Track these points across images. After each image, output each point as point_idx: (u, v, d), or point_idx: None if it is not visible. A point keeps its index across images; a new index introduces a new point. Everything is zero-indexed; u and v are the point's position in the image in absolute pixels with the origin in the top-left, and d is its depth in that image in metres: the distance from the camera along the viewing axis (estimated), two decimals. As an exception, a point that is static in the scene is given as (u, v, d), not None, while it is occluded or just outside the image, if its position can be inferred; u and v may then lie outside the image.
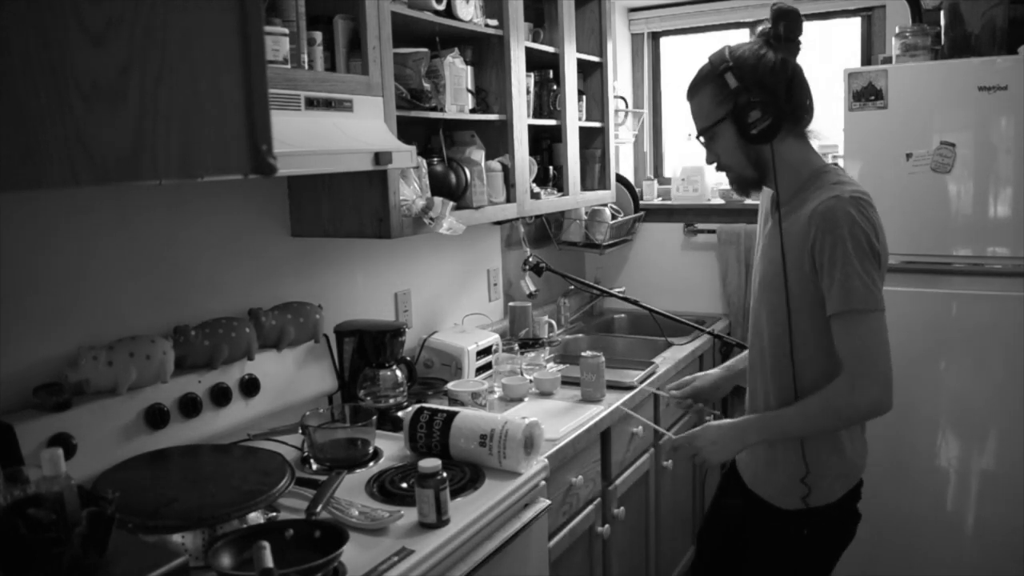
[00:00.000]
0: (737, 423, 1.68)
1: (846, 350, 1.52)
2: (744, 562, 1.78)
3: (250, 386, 1.93)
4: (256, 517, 1.45)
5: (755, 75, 1.56)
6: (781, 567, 1.73)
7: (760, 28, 1.63)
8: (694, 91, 1.65)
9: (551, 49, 2.71)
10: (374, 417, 1.84)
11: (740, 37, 3.48)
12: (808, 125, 1.65)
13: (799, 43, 1.61)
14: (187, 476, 1.58)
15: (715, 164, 1.69)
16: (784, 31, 1.58)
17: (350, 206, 1.99)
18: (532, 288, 2.97)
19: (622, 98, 3.51)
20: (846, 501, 1.71)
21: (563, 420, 2.10)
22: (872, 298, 1.49)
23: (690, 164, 3.50)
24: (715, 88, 1.60)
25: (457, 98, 2.25)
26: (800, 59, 1.63)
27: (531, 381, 2.35)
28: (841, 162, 2.95)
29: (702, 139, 1.67)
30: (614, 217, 3.36)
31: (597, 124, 3.06)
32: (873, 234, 1.51)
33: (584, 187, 3.00)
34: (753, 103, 1.55)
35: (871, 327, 1.51)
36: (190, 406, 1.79)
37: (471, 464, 1.73)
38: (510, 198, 2.48)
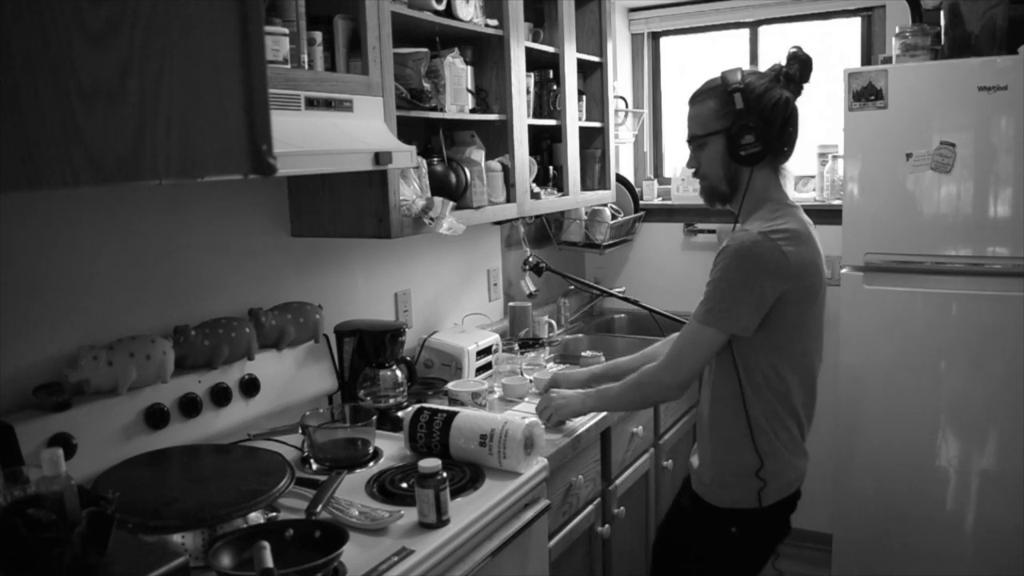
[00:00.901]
0: (585, 392, 2.00)
1: (675, 343, 1.76)
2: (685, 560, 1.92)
3: (250, 386, 1.93)
4: (256, 517, 1.45)
5: (759, 104, 1.69)
6: (710, 565, 1.85)
7: (774, 64, 1.75)
8: (698, 98, 1.77)
9: (551, 49, 2.71)
10: (374, 417, 1.85)
11: (740, 37, 3.48)
12: (786, 162, 1.80)
13: (802, 88, 1.75)
14: (187, 476, 1.58)
15: (694, 170, 1.82)
16: (797, 74, 1.72)
17: (350, 206, 1.99)
18: (532, 288, 2.97)
19: (622, 98, 3.51)
20: (779, 508, 1.80)
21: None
22: (721, 319, 1.66)
23: (690, 164, 3.50)
24: (719, 103, 1.71)
25: (457, 98, 2.25)
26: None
27: (531, 381, 2.35)
28: (841, 162, 2.96)
29: (691, 144, 1.79)
30: (614, 217, 3.36)
31: (597, 124, 3.06)
32: (767, 271, 1.62)
33: (584, 187, 3.00)
34: (750, 128, 1.68)
35: (697, 337, 1.70)
36: (190, 406, 1.79)
37: (471, 464, 1.73)
38: (510, 198, 2.48)
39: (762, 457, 1.73)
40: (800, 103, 1.76)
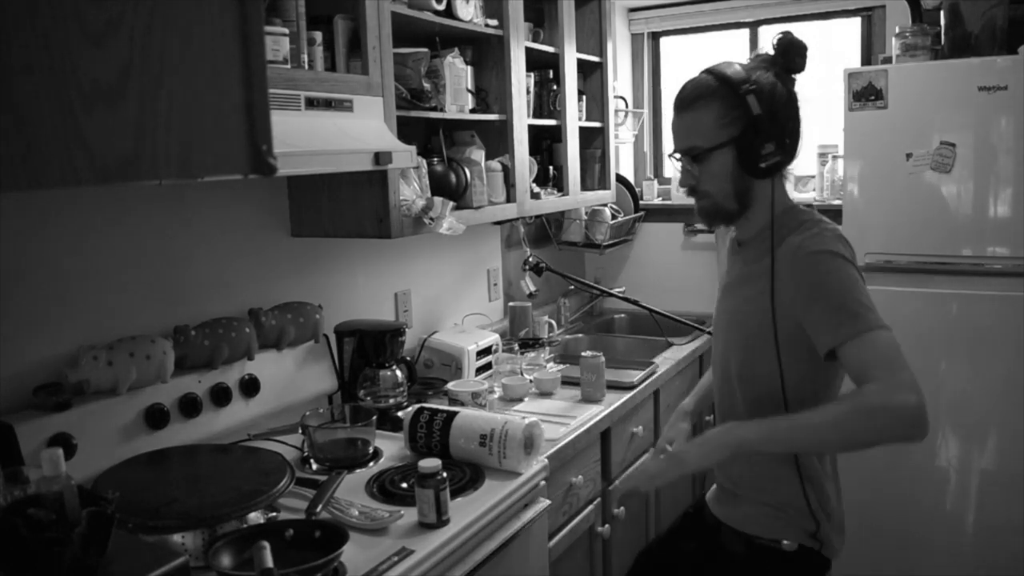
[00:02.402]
0: (725, 426, 1.45)
1: (868, 365, 1.32)
2: None
3: (250, 386, 1.93)
4: (256, 517, 1.45)
5: (773, 105, 1.44)
6: None
7: (761, 56, 1.50)
8: (694, 105, 1.48)
9: (551, 49, 2.71)
10: (374, 417, 1.84)
11: (740, 37, 3.48)
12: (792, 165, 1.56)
13: (795, 81, 1.53)
14: (187, 476, 1.58)
15: (689, 188, 1.54)
16: (797, 65, 1.49)
17: (350, 206, 1.99)
18: (532, 288, 2.97)
19: (622, 98, 3.51)
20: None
21: (563, 420, 2.10)
22: (877, 318, 1.36)
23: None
24: (724, 107, 1.45)
25: (457, 98, 2.25)
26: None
27: (531, 381, 2.35)
28: (841, 162, 2.96)
29: (686, 157, 1.52)
30: (614, 217, 3.36)
31: (597, 124, 3.06)
32: (857, 272, 1.42)
33: (584, 187, 3.00)
34: (771, 134, 1.43)
35: (887, 342, 1.33)
36: (190, 406, 1.79)
37: (471, 464, 1.73)
38: (510, 198, 2.48)
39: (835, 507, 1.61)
40: (800, 103, 1.54)
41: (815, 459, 1.56)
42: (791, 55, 1.47)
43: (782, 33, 1.48)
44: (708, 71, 1.50)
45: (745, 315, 1.53)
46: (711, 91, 1.47)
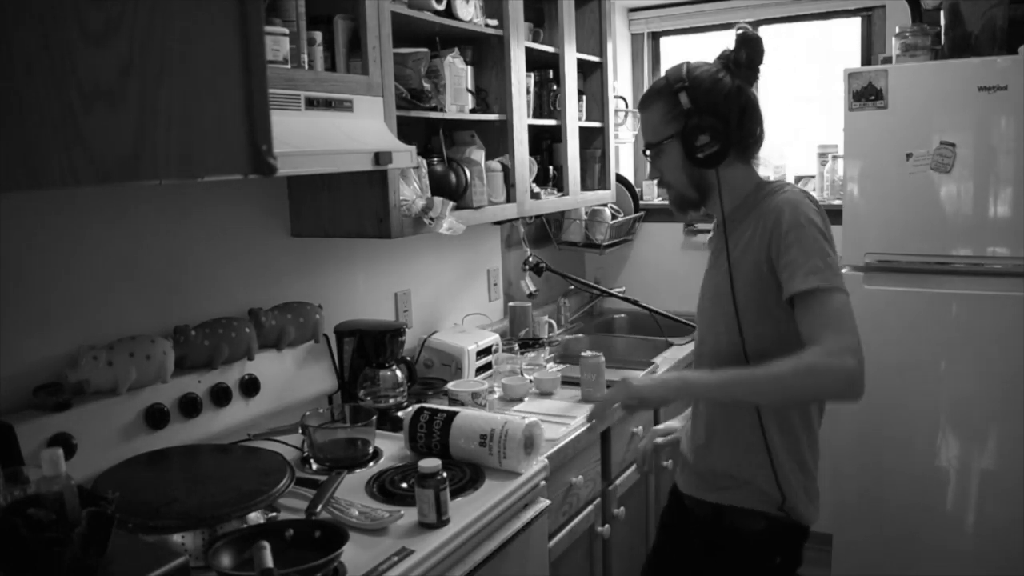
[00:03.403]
0: (681, 375, 1.67)
1: (817, 324, 1.40)
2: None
3: (250, 386, 1.93)
4: (256, 517, 1.45)
5: (709, 98, 1.53)
6: None
7: (723, 51, 1.59)
8: (646, 104, 1.62)
9: (551, 49, 2.71)
10: (374, 417, 1.84)
11: (740, 37, 3.48)
12: (756, 154, 1.63)
13: (758, 71, 1.57)
14: (187, 476, 1.58)
15: (657, 180, 1.70)
16: (746, 58, 1.54)
17: (350, 206, 1.99)
18: (532, 288, 2.97)
19: (622, 98, 3.51)
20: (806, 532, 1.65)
21: (563, 420, 2.10)
22: (838, 278, 1.43)
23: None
24: (667, 105, 1.56)
25: (457, 98, 2.25)
26: (757, 86, 1.62)
27: (531, 381, 2.35)
28: (841, 162, 2.96)
29: (647, 153, 1.65)
30: (614, 217, 3.36)
31: (597, 124, 3.06)
32: (826, 226, 1.48)
33: (584, 187, 3.00)
34: (703, 127, 1.52)
35: (840, 304, 1.41)
36: (190, 406, 1.79)
37: (471, 464, 1.73)
38: (510, 198, 2.48)
39: (812, 476, 1.62)
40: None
41: (783, 433, 1.57)
42: (739, 49, 1.55)
43: (741, 28, 1.56)
44: (665, 72, 1.62)
45: (712, 291, 1.63)
46: (658, 91, 1.60)
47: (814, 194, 1.60)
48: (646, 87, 1.72)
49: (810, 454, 1.62)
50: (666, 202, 3.55)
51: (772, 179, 1.64)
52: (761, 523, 1.60)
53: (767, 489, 1.58)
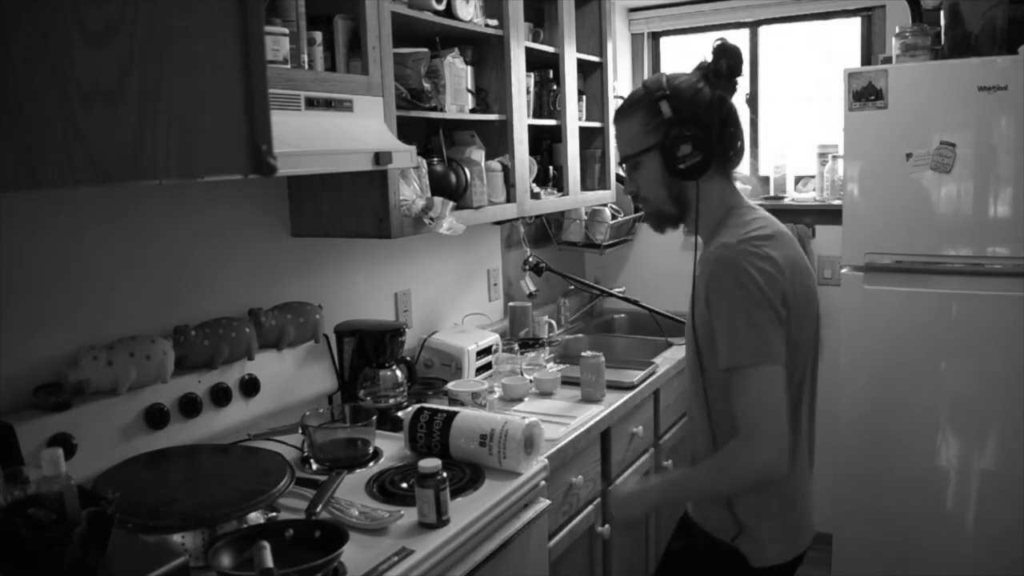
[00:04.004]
0: (644, 485, 1.62)
1: (737, 408, 1.38)
2: None
3: (250, 386, 1.93)
4: (256, 517, 1.45)
5: (691, 108, 1.47)
6: None
7: (701, 63, 1.54)
8: (623, 115, 1.57)
9: (551, 49, 2.71)
10: (374, 417, 1.85)
11: (740, 37, 3.48)
12: (735, 167, 1.58)
13: (736, 83, 1.52)
14: (187, 476, 1.58)
15: (632, 195, 1.62)
16: (726, 68, 1.49)
17: (350, 206, 1.99)
18: (532, 288, 2.97)
19: (622, 98, 3.49)
20: (786, 568, 1.55)
21: (563, 420, 2.10)
22: (760, 351, 1.36)
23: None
24: (646, 115, 1.51)
25: (457, 98, 2.25)
26: (736, 98, 1.56)
27: (531, 381, 2.35)
28: (841, 162, 2.96)
29: (624, 166, 1.60)
30: (614, 217, 3.36)
31: (597, 124, 3.06)
32: (765, 281, 1.38)
33: (584, 187, 3.00)
34: (685, 136, 1.46)
35: (759, 383, 1.36)
36: (190, 406, 1.79)
37: (471, 464, 1.73)
38: (510, 198, 2.48)
39: (782, 512, 1.53)
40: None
41: None
42: (719, 59, 1.49)
43: (719, 40, 1.52)
44: (643, 82, 1.58)
45: (690, 321, 1.56)
46: (636, 100, 1.55)
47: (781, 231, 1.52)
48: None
49: (786, 488, 1.51)
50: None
51: (745, 203, 1.55)
52: (715, 549, 1.55)
53: (721, 517, 1.53)
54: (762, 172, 3.49)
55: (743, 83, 1.59)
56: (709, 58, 1.51)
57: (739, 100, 1.55)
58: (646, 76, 3.71)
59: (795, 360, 1.45)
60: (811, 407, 1.56)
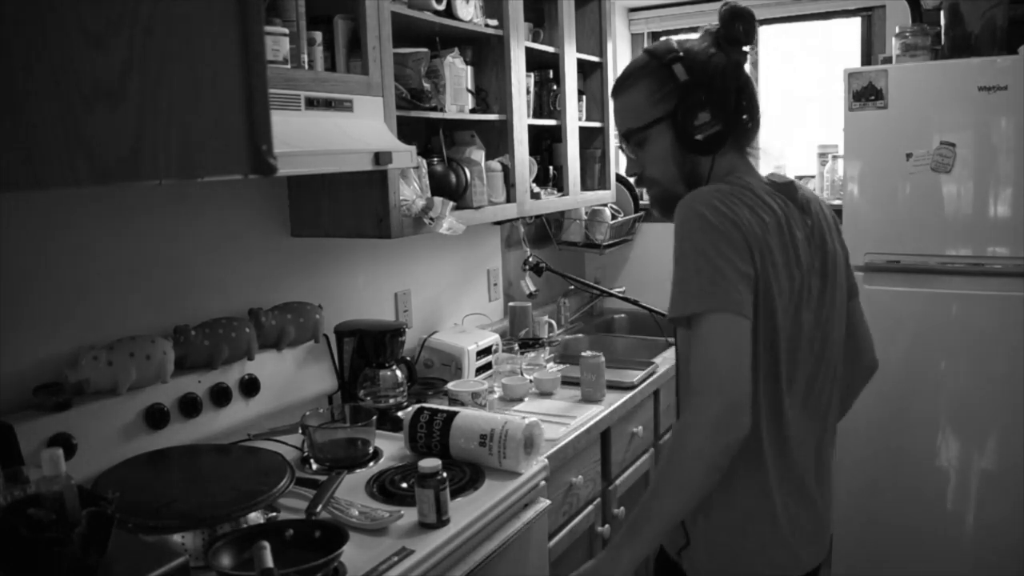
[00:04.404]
0: (607, 549, 1.26)
1: (692, 369, 1.18)
2: None
3: (250, 386, 1.93)
4: (256, 517, 1.45)
5: (706, 72, 1.30)
6: None
7: (706, 29, 1.38)
8: (625, 86, 1.37)
9: (551, 49, 2.71)
10: (374, 417, 1.84)
11: (740, 37, 3.48)
12: (750, 142, 1.38)
13: (748, 51, 1.36)
14: (187, 476, 1.58)
15: (636, 176, 1.43)
16: (741, 33, 1.32)
17: (350, 206, 1.99)
18: (532, 288, 2.97)
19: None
20: None
21: (563, 420, 2.10)
22: (719, 296, 1.17)
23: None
24: (655, 82, 1.32)
25: (457, 98, 2.25)
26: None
27: (531, 381, 2.35)
28: (841, 162, 2.96)
29: (627, 143, 1.39)
30: (614, 217, 3.36)
31: (597, 124, 3.06)
32: (731, 228, 1.21)
33: (584, 187, 3.00)
34: (703, 103, 1.28)
35: (712, 329, 1.16)
36: (190, 406, 1.79)
37: (471, 464, 1.73)
38: (510, 198, 2.48)
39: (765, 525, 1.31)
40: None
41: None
42: (732, 23, 1.33)
43: (725, 3, 1.35)
44: (647, 49, 1.41)
45: None
46: (640, 67, 1.36)
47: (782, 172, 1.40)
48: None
49: (743, 501, 1.30)
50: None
51: (748, 176, 1.36)
52: (660, 560, 1.43)
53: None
54: (762, 172, 3.48)
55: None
56: (716, 23, 1.35)
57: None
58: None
59: (770, 336, 1.25)
60: (810, 409, 1.34)
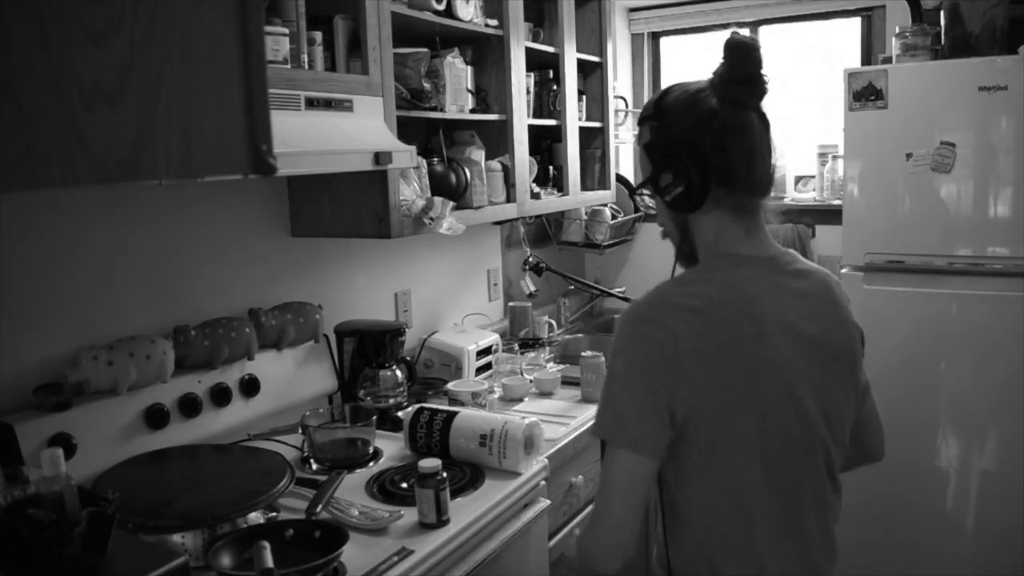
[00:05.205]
0: None
1: (600, 479, 1.19)
2: None
3: (250, 386, 1.93)
4: (256, 517, 1.45)
5: (680, 128, 1.19)
6: None
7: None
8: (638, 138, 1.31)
9: (551, 49, 2.71)
10: (374, 417, 1.85)
11: (740, 37, 3.48)
12: (746, 196, 1.21)
13: (757, 86, 1.19)
14: (187, 476, 1.58)
15: (661, 231, 1.36)
16: (729, 70, 1.18)
17: (350, 206, 1.99)
18: (532, 288, 2.97)
19: (622, 98, 3.51)
20: None
21: (563, 420, 2.10)
22: (616, 432, 1.14)
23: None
24: (641, 141, 1.27)
25: (457, 98, 2.25)
26: (768, 106, 1.22)
27: (531, 381, 2.35)
28: (841, 162, 2.95)
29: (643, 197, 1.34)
30: (614, 217, 3.36)
31: (597, 124, 3.06)
32: (658, 354, 1.13)
33: (584, 187, 3.00)
34: (668, 164, 1.19)
35: (609, 466, 1.15)
36: (190, 406, 1.79)
37: (471, 464, 1.73)
38: (510, 198, 2.48)
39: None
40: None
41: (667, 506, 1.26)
42: (727, 60, 1.19)
43: (733, 32, 1.23)
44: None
45: None
46: (639, 122, 1.31)
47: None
48: (646, 87, 1.58)
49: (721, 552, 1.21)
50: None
51: (734, 254, 1.22)
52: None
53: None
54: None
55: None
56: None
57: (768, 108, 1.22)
58: (646, 76, 3.72)
59: (733, 454, 1.16)
60: (816, 509, 1.24)
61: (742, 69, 1.18)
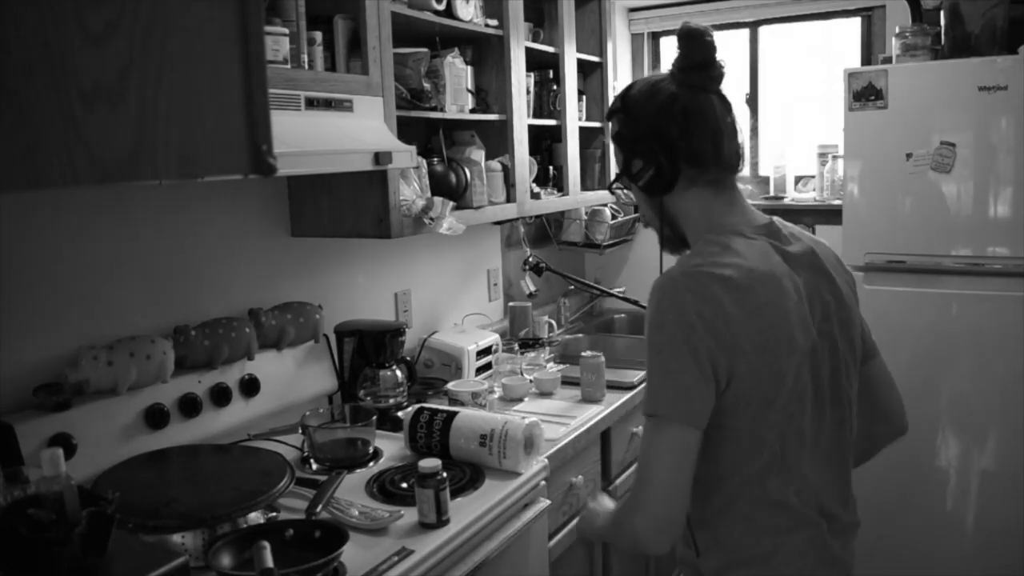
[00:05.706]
0: (605, 506, 1.42)
1: (639, 457, 1.20)
2: None
3: (250, 386, 1.93)
4: (256, 517, 1.45)
5: (645, 116, 1.27)
6: None
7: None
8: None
9: (551, 49, 2.71)
10: (374, 417, 1.85)
11: (740, 37, 3.48)
12: (723, 173, 1.28)
13: (713, 74, 1.28)
14: (187, 476, 1.58)
15: (643, 222, 1.40)
16: (683, 57, 1.28)
17: (350, 206, 1.99)
18: (532, 288, 2.97)
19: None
20: None
21: (563, 420, 2.10)
22: (673, 407, 1.15)
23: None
24: (611, 134, 1.36)
25: (457, 98, 2.25)
26: (726, 89, 1.30)
27: (531, 381, 2.35)
28: (841, 162, 2.96)
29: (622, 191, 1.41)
30: (614, 217, 3.36)
31: (597, 124, 3.06)
32: (699, 322, 1.15)
33: (584, 187, 3.00)
34: (636, 151, 1.27)
35: (653, 439, 1.16)
36: (190, 406, 1.79)
37: (471, 464, 1.73)
38: (510, 198, 2.48)
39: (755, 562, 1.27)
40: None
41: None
42: (679, 48, 1.29)
43: (683, 23, 1.32)
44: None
45: None
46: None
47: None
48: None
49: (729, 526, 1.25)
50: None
51: (732, 225, 1.27)
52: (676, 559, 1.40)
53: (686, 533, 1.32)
54: (762, 172, 3.48)
55: (740, 82, 1.34)
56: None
57: (736, 98, 1.34)
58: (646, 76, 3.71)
59: (772, 412, 1.20)
60: (844, 453, 1.31)
61: (698, 55, 1.27)
